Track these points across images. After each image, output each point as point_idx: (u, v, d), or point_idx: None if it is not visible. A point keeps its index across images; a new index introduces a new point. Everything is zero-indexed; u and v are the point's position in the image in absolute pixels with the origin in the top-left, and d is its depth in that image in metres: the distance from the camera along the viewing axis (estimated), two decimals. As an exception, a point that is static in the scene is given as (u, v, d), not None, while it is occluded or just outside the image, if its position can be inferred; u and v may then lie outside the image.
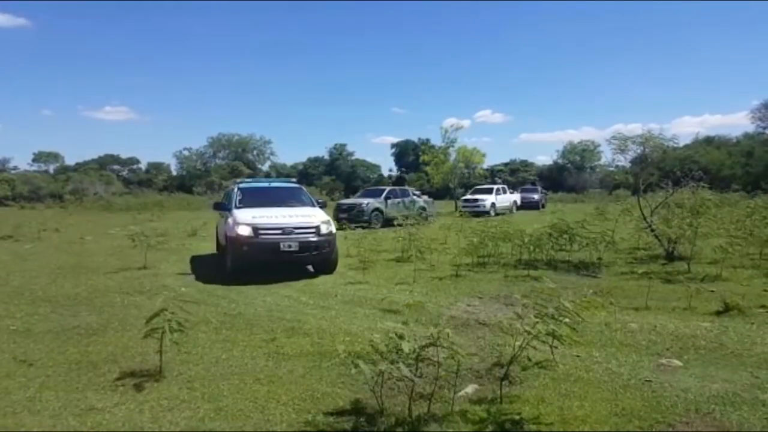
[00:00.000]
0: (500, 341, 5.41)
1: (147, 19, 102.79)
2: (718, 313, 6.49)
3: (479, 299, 7.69)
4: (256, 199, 10.57)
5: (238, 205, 10.20)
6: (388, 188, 24.62)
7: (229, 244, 9.30)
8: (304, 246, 9.27)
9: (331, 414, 3.79)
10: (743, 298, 6.94)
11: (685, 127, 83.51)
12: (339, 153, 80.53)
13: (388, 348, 3.72)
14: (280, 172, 70.02)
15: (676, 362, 4.81)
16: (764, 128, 58.76)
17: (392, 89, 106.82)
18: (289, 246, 9.15)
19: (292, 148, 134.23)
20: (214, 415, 3.81)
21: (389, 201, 22.69)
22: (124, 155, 77.85)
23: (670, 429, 3.52)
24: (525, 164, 73.99)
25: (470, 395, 4.10)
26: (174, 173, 72.90)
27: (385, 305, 7.09)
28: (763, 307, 6.72)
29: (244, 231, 9.12)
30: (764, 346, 5.22)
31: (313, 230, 9.48)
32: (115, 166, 75.69)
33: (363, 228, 17.94)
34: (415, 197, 24.53)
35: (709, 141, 58.41)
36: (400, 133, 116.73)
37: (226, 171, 64.88)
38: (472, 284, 8.77)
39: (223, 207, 10.95)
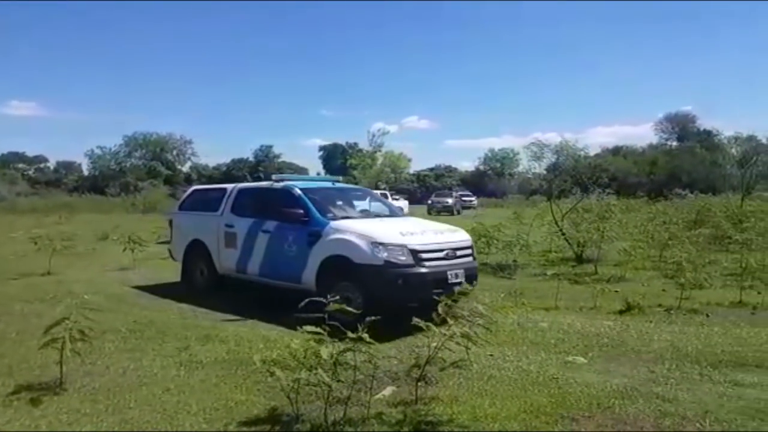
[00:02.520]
0: (419, 344, 5.50)
1: (62, 6, 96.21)
2: (621, 312, 6.95)
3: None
4: (336, 205, 7.57)
5: (328, 215, 7.00)
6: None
7: (371, 276, 6.11)
8: (469, 275, 6.62)
9: (246, 423, 3.71)
10: (643, 298, 7.46)
11: (599, 137, 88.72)
12: (265, 155, 79.04)
13: (306, 354, 3.69)
14: (201, 173, 67.64)
15: (581, 359, 5.09)
16: (666, 139, 63.69)
17: (322, 91, 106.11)
18: (456, 276, 6.37)
19: (215, 149, 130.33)
20: (119, 428, 3.62)
21: None
22: (30, 153, 72.75)
23: (574, 423, 3.72)
24: (449, 170, 75.84)
25: (387, 398, 4.15)
26: (86, 173, 68.75)
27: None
28: (660, 306, 7.24)
29: (399, 256, 6.15)
30: (660, 342, 5.63)
31: (470, 251, 7.10)
32: (21, 165, 70.43)
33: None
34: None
35: (617, 150, 62.35)
36: (329, 135, 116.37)
37: (143, 172, 61.98)
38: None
39: (207, 208, 8.59)
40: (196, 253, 8.58)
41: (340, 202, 7.75)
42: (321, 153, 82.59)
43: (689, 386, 4.34)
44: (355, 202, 8.18)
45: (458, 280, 6.21)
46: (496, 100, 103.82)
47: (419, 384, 4.22)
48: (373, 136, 38.04)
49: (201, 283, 8.53)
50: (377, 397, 4.12)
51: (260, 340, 5.65)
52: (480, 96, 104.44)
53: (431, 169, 74.49)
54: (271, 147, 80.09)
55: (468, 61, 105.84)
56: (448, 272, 6.34)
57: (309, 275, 6.70)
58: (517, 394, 4.22)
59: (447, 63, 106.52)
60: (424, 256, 6.26)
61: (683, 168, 50.24)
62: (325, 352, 3.39)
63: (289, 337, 5.43)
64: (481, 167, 76.36)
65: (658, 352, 5.28)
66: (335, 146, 79.31)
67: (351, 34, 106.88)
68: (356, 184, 44.91)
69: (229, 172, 73.95)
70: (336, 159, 76.91)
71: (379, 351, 3.94)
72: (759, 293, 7.76)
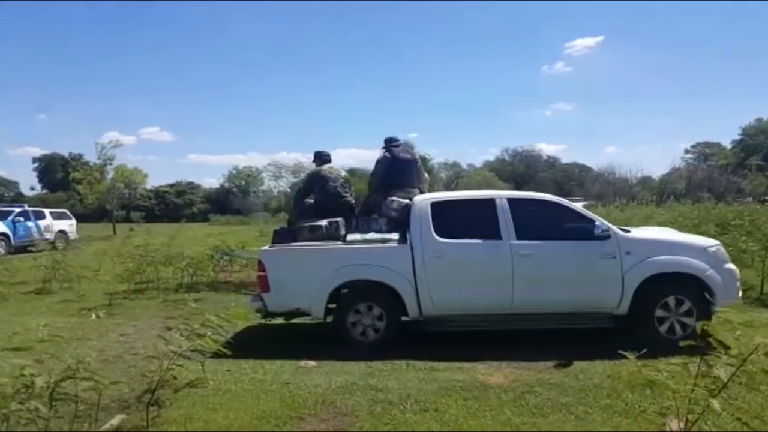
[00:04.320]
0: (152, 368, 5.34)
1: None
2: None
3: (133, 327, 7.40)
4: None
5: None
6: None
7: None
8: None
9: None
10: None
11: (339, 159, 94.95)
12: (-44, 165, 65.05)
13: (16, 389, 3.36)
14: None
15: (312, 363, 5.58)
16: (393, 162, 71.70)
17: (37, 93, 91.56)
18: None
19: None
20: None
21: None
22: None
23: (301, 422, 4.12)
24: (192, 186, 72.76)
25: (115, 426, 3.99)
26: None
27: (15, 343, 6.18)
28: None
29: None
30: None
31: None
32: None
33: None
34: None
35: (353, 172, 67.83)
36: (47, 145, 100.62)
37: None
38: (126, 312, 8.35)
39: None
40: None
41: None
42: (36, 165, 71.69)
43: (397, 375, 5.11)
44: None
45: None
46: (243, 116, 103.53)
47: (151, 408, 4.16)
48: (103, 147, 34.22)
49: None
50: (105, 427, 3.94)
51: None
52: (227, 111, 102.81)
53: (172, 185, 70.48)
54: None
55: (214, 72, 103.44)
56: None
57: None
58: (251, 404, 4.46)
59: (188, 73, 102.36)
60: None
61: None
62: (40, 380, 3.16)
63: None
64: (227, 184, 75.11)
65: (376, 349, 6.05)
66: (53, 157, 69.61)
67: (81, 31, 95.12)
68: (81, 200, 39.89)
69: None
70: (55, 172, 67.42)
71: (105, 377, 3.79)
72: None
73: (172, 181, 71.87)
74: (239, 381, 5.04)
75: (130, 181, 35.67)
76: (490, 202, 6.22)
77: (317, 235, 6.42)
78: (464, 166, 61.08)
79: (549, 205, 6.43)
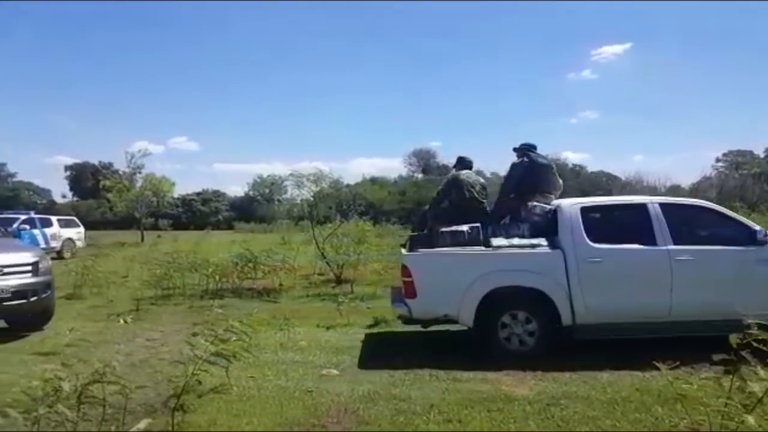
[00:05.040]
0: (178, 373, 5.40)
1: None
2: (370, 326, 7.75)
3: (160, 332, 7.51)
4: None
5: None
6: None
7: None
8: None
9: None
10: (391, 312, 8.38)
11: (361, 167, 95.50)
12: (-4, 174, 67.20)
13: (45, 392, 3.42)
14: None
15: (335, 371, 5.58)
16: (413, 172, 71.91)
17: (73, 102, 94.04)
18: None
19: None
20: None
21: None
22: None
23: (323, 429, 4.12)
24: (217, 194, 73.78)
25: (141, 430, 4.02)
26: None
27: (46, 347, 6.33)
28: (401, 317, 8.21)
29: None
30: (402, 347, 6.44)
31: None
32: None
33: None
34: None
35: (374, 181, 68.10)
36: (78, 153, 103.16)
37: None
38: (153, 318, 8.47)
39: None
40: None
41: None
42: (68, 173, 73.51)
43: (420, 386, 5.05)
44: None
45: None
46: (266, 125, 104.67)
47: (176, 413, 4.20)
48: (132, 156, 35.02)
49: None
50: (132, 431, 3.98)
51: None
52: (251, 120, 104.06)
53: (198, 194, 71.56)
54: (4, 165, 68.64)
55: (238, 83, 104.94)
56: None
57: None
58: (275, 411, 4.46)
59: (214, 83, 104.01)
60: None
61: (428, 197, 57.08)
62: (67, 385, 3.22)
63: (26, 379, 4.90)
64: (251, 192, 75.92)
65: (397, 359, 6.01)
66: (84, 165, 71.33)
67: (110, 43, 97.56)
68: (110, 208, 40.74)
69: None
70: (86, 181, 69.02)
71: (132, 382, 3.84)
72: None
73: (198, 189, 73.03)
74: (262, 387, 5.06)
75: (158, 189, 36.37)
76: (642, 208, 6.14)
77: (458, 240, 6.23)
78: (488, 174, 60.63)
79: (703, 210, 6.40)
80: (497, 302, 5.87)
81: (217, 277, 11.15)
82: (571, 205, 6.27)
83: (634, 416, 4.18)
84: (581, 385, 4.96)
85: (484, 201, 7.01)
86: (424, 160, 71.97)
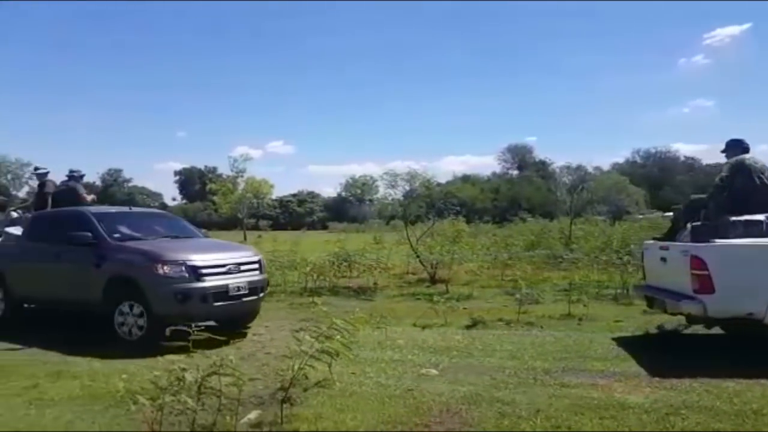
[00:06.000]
0: (284, 366, 5.60)
1: None
2: (468, 327, 7.64)
3: (265, 328, 7.84)
4: None
5: None
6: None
7: None
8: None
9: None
10: (488, 313, 8.25)
11: (452, 165, 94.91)
12: (114, 179, 73.51)
13: (170, 381, 3.67)
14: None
15: (434, 371, 5.54)
16: (508, 169, 70.20)
17: (179, 111, 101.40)
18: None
19: (56, 173, 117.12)
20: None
21: None
22: None
23: (426, 429, 4.09)
24: (312, 195, 76.31)
25: (252, 421, 4.22)
26: None
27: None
28: (501, 320, 8.05)
29: None
30: (502, 352, 6.26)
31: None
32: None
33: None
34: None
35: (466, 179, 67.31)
36: (186, 159, 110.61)
37: (-27, 196, 54.34)
38: (259, 314, 8.84)
39: None
40: None
41: None
42: (177, 178, 78.95)
43: (525, 389, 4.90)
44: None
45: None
46: (358, 127, 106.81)
47: (284, 405, 4.35)
48: (235, 161, 37.05)
49: None
50: (243, 421, 4.17)
51: (117, 373, 5.38)
52: (343, 122, 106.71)
53: (294, 195, 74.42)
54: (120, 171, 74.75)
55: (333, 87, 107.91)
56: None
57: None
58: (377, 408, 4.50)
59: (308, 88, 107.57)
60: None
61: (522, 194, 55.52)
62: (190, 375, 3.43)
63: (149, 369, 5.29)
64: (343, 193, 77.80)
65: (499, 361, 5.89)
66: (192, 170, 76.20)
67: (213, 53, 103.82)
68: (216, 210, 43.33)
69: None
70: (194, 184, 73.82)
71: (244, 374, 4.02)
72: (584, 306, 8.78)
73: (294, 191, 75.90)
74: (363, 384, 5.12)
75: (258, 191, 38.19)
76: None
77: (753, 231, 5.77)
78: (590, 170, 57.44)
79: None
80: None
81: (315, 276, 11.48)
82: None
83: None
84: (703, 394, 4.58)
85: None
86: (520, 155, 70.11)
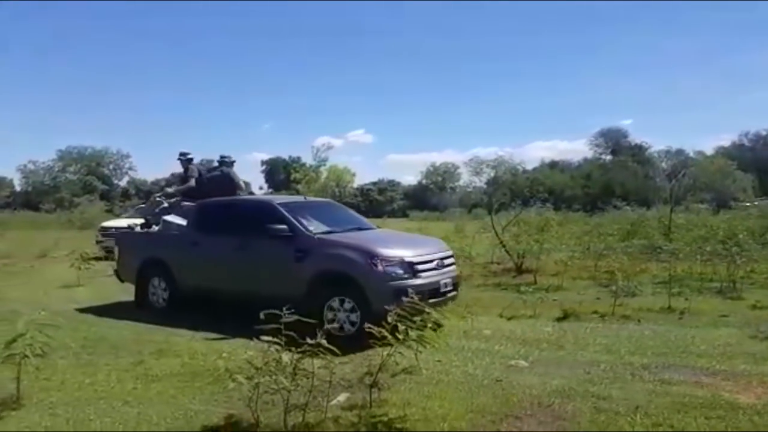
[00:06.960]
0: (371, 351, 5.70)
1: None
2: (559, 319, 7.39)
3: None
4: None
5: None
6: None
7: None
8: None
9: (206, 430, 3.80)
10: (580, 305, 7.95)
11: (538, 151, 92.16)
12: (208, 171, 77.48)
13: (265, 361, 3.82)
14: (139, 188, 65.32)
15: (523, 363, 5.41)
16: (600, 154, 66.86)
17: (263, 105, 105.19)
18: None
19: (154, 163, 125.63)
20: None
21: None
22: (-46, 168, 68.13)
23: (518, 421, 4.00)
24: (392, 184, 76.76)
25: (342, 403, 4.33)
26: (18, 189, 64.89)
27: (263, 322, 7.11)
28: (595, 312, 7.71)
29: None
30: (596, 346, 6.01)
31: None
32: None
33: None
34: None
35: (554, 165, 64.94)
36: (271, 149, 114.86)
37: (78, 187, 59.38)
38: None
39: None
40: None
41: None
42: (263, 167, 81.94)
43: (622, 385, 4.68)
44: None
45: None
46: (438, 115, 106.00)
47: (372, 390, 4.41)
48: (317, 150, 37.93)
49: None
50: (333, 402, 4.29)
51: (214, 353, 5.69)
52: (423, 110, 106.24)
53: (374, 183, 75.17)
54: (211, 161, 78.64)
55: (411, 75, 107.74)
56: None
57: None
58: (464, 396, 4.46)
59: (389, 76, 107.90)
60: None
61: (616, 181, 52.71)
62: (286, 356, 3.56)
63: (244, 349, 5.54)
64: (424, 181, 77.60)
65: (593, 355, 5.66)
66: (277, 160, 78.75)
67: (295, 48, 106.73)
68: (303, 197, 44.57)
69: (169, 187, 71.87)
70: (278, 174, 76.36)
71: (335, 358, 4.12)
72: (686, 299, 8.30)
73: (374, 179, 76.63)
74: (450, 373, 5.09)
75: (340, 179, 38.97)
76: None
77: None
78: (691, 154, 53.24)
79: None
80: None
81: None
82: None
83: None
84: (827, 399, 4.18)
85: None
86: (614, 140, 66.24)
